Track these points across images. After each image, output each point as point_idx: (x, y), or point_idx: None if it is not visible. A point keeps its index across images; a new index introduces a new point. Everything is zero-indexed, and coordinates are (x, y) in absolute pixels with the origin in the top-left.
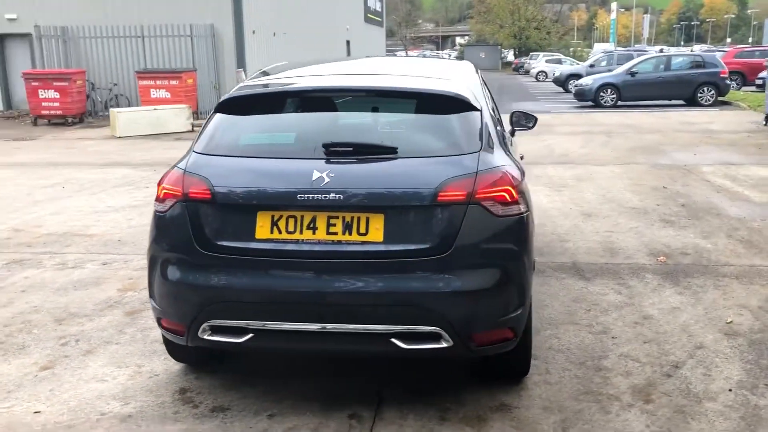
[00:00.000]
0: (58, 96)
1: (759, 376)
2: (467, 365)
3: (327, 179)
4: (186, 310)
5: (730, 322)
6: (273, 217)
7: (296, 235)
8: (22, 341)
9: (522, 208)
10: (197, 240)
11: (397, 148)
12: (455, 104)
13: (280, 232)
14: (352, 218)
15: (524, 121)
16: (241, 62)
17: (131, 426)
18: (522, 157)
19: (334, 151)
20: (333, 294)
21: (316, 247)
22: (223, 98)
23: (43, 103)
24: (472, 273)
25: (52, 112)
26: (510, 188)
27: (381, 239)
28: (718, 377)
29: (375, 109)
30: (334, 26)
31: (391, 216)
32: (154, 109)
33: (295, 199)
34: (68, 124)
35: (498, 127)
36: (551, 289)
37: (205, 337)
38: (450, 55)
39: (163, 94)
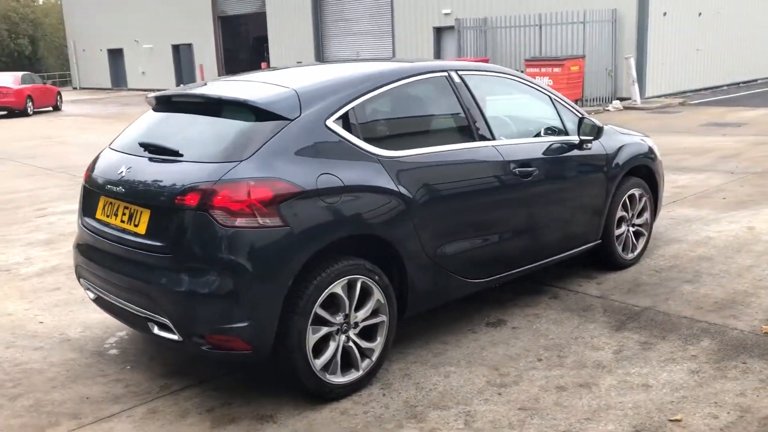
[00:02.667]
0: None
1: None
2: None
3: (124, 173)
4: (75, 264)
5: None
6: (104, 202)
7: (111, 219)
8: None
9: (261, 221)
10: (82, 214)
11: (178, 151)
12: (252, 112)
13: (105, 215)
14: (134, 210)
15: None
16: (641, 48)
17: None
18: None
19: (144, 149)
20: (117, 274)
21: (114, 231)
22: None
23: None
24: (193, 276)
25: None
26: (237, 202)
27: (143, 232)
28: None
29: (206, 115)
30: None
31: (154, 213)
32: None
33: (106, 189)
34: None
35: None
36: None
37: (82, 287)
38: None
39: (545, 81)
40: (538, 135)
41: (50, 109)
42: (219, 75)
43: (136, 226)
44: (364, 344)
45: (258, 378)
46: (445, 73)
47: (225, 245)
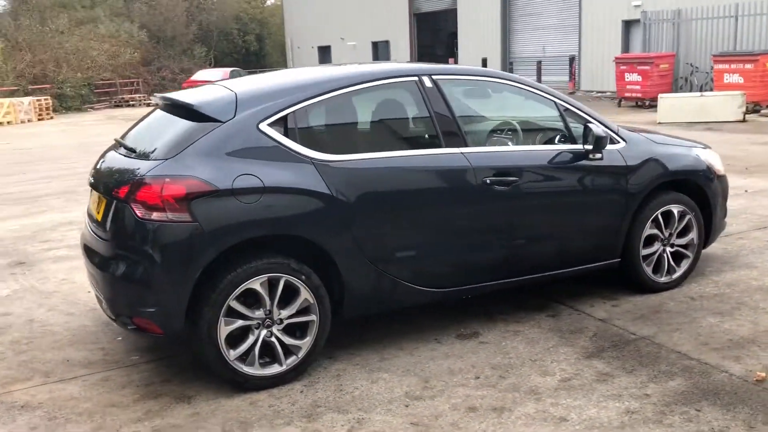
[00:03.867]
0: (639, 79)
1: None
2: None
3: (99, 166)
4: None
5: None
6: (90, 193)
7: (92, 209)
8: None
9: (172, 216)
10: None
11: (134, 148)
12: (193, 114)
13: (91, 206)
14: (99, 200)
15: None
16: None
17: None
18: None
19: (119, 145)
20: (88, 260)
21: (90, 221)
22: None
23: (627, 86)
24: (119, 262)
25: (634, 94)
26: (154, 196)
27: (99, 220)
28: None
29: (172, 115)
30: None
31: (106, 203)
32: (700, 96)
33: (90, 181)
34: (645, 107)
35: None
36: None
37: None
38: None
39: (735, 79)
40: (545, 142)
41: None
42: None
43: (98, 213)
44: (288, 341)
45: None
46: (416, 78)
47: (140, 236)
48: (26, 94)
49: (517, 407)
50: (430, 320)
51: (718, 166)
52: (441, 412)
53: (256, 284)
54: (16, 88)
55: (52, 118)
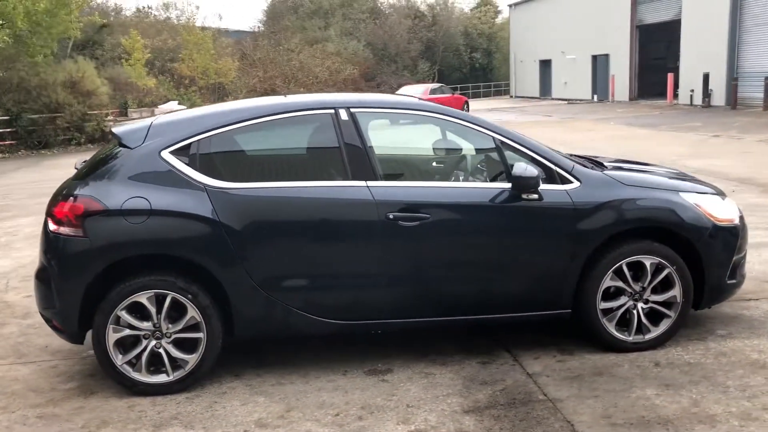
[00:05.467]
0: None
1: None
2: None
3: None
4: None
5: None
6: None
7: None
8: None
9: (70, 231)
10: None
11: (77, 171)
12: (116, 140)
13: None
14: None
15: None
16: None
17: None
18: None
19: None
20: None
21: None
22: None
23: None
24: (40, 266)
25: None
26: (61, 213)
27: None
28: None
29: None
30: None
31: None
32: None
33: None
34: None
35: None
36: None
37: None
38: None
39: None
40: (492, 179)
41: None
42: (630, 86)
43: None
44: (176, 354)
45: None
46: (332, 111)
47: (50, 246)
48: None
49: None
50: (357, 351)
51: (723, 216)
52: None
53: (143, 298)
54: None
55: None
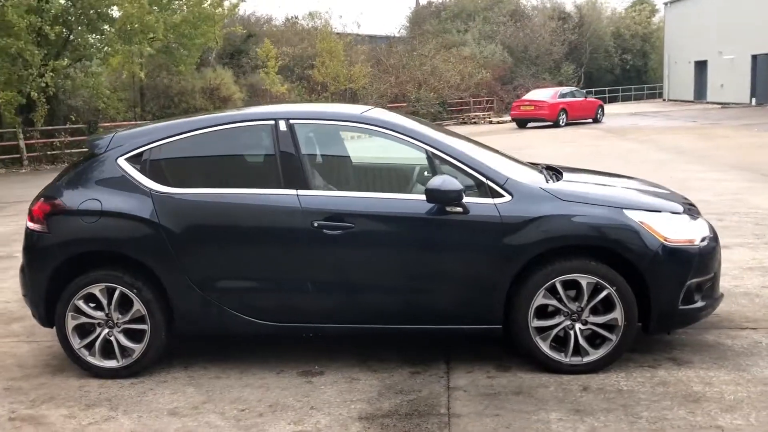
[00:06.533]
0: None
1: None
2: None
3: None
4: None
5: None
6: None
7: None
8: None
9: (38, 227)
10: None
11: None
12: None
13: None
14: None
15: None
16: None
17: None
18: None
19: None
20: None
21: None
22: None
23: None
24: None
25: None
26: (36, 211)
27: None
28: None
29: None
30: None
31: None
32: None
33: None
34: None
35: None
36: None
37: None
38: None
39: None
40: (413, 189)
41: (589, 121)
42: None
43: None
44: (125, 342)
45: None
46: (272, 122)
47: (25, 239)
48: None
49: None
50: (302, 352)
51: (676, 236)
52: (165, 429)
53: (96, 290)
54: (376, 106)
55: None
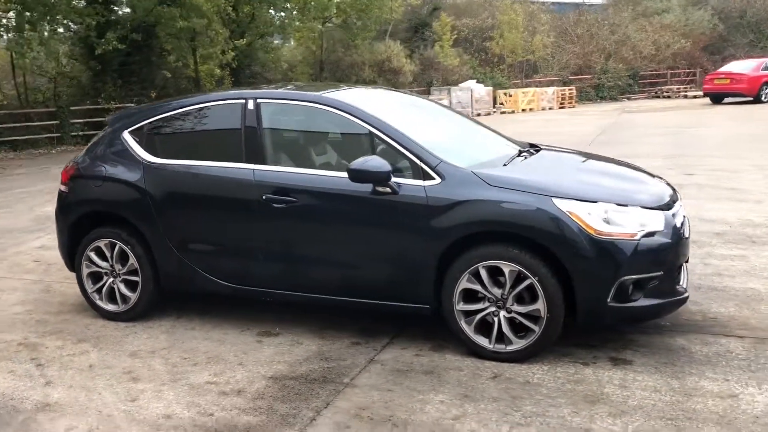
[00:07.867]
0: None
1: None
2: None
3: None
4: None
5: None
6: None
7: None
8: None
9: (65, 188)
10: None
11: None
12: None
13: None
14: None
15: None
16: None
17: None
18: None
19: None
20: None
21: None
22: None
23: None
24: None
25: None
26: (62, 174)
27: None
28: None
29: None
30: None
31: None
32: None
33: None
34: None
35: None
36: None
37: None
38: None
39: None
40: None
41: None
42: None
43: None
44: (124, 291)
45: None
46: (243, 101)
47: (57, 197)
48: (564, 84)
49: (143, 383)
50: (272, 314)
51: (611, 229)
52: (114, 366)
53: (102, 244)
54: (556, 78)
55: (573, 107)
